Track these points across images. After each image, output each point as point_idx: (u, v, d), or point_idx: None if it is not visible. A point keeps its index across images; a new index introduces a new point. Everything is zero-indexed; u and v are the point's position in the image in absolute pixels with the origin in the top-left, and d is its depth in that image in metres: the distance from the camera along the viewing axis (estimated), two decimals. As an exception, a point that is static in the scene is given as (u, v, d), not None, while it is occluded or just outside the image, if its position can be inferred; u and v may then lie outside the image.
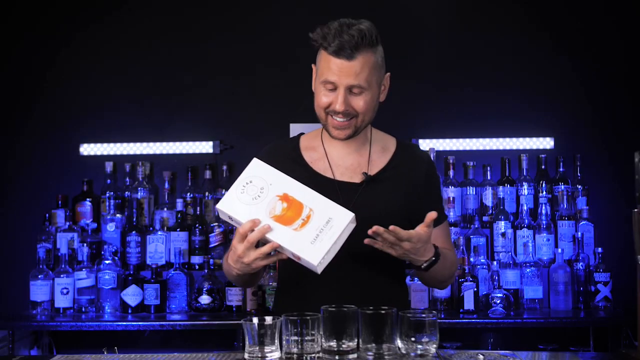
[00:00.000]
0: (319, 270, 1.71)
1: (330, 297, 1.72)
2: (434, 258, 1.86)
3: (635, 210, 1.78)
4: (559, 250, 3.32)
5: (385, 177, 2.00)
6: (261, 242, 1.77)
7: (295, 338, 1.57)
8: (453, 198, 3.45)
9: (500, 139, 3.66)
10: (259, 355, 1.58)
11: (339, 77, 1.86)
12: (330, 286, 1.89)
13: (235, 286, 3.31)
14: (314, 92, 1.96)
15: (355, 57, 1.85)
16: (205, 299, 3.33)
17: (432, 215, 1.79)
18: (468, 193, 3.51)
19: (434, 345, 1.58)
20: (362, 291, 1.92)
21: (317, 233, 1.68)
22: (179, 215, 3.49)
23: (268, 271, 3.30)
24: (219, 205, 1.75)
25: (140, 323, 3.18)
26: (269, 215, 1.70)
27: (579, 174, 3.54)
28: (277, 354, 1.59)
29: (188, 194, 3.60)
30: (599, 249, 3.31)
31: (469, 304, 3.17)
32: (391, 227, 1.74)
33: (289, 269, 1.95)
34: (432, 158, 3.43)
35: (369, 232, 1.74)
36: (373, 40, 1.87)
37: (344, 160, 2.01)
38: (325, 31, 1.86)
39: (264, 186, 1.73)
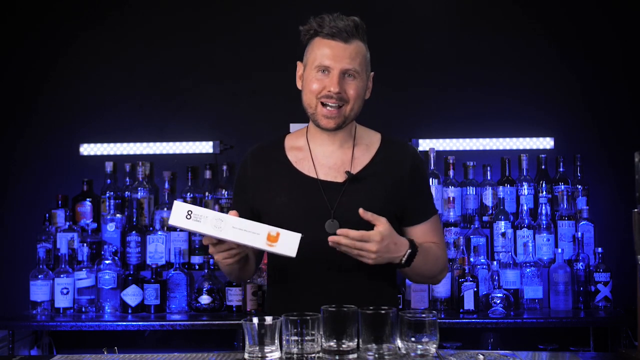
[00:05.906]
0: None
1: (320, 298, 1.72)
2: (409, 250, 1.85)
3: (635, 210, 1.78)
4: (559, 250, 3.32)
5: (368, 175, 1.98)
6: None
7: (295, 338, 1.57)
8: (453, 198, 3.44)
9: (500, 139, 3.66)
10: (259, 355, 1.58)
11: (334, 61, 1.90)
12: (321, 286, 1.90)
13: (236, 286, 3.32)
14: (303, 86, 1.97)
15: (351, 42, 1.91)
16: (205, 299, 3.33)
17: (364, 215, 1.78)
18: (468, 193, 3.51)
19: (434, 345, 1.58)
20: (353, 291, 1.91)
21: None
22: (179, 215, 3.48)
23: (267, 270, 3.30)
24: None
25: (140, 323, 3.18)
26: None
27: (579, 174, 3.54)
28: (277, 354, 1.59)
29: (188, 194, 3.60)
30: (599, 249, 3.31)
31: (469, 304, 3.17)
32: (342, 231, 1.75)
33: (277, 270, 1.96)
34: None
35: (330, 243, 1.76)
36: (363, 35, 1.94)
37: (327, 160, 1.99)
38: (319, 20, 1.92)
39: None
